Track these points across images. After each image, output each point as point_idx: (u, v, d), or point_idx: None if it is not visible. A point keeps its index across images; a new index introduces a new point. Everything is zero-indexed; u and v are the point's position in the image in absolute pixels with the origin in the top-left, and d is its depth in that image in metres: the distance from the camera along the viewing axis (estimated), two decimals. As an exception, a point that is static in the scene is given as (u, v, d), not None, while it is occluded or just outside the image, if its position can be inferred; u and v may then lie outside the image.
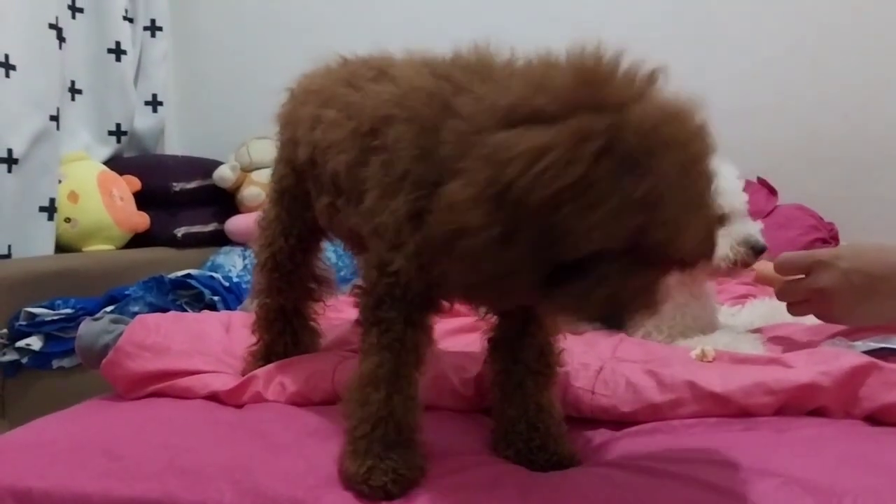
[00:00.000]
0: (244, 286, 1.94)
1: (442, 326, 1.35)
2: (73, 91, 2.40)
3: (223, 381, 1.06)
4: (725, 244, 1.13)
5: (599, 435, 0.88)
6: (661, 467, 0.75)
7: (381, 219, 0.75)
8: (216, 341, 1.17)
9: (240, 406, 1.05)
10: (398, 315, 0.77)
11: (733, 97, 2.31)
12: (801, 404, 0.85)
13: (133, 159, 2.56)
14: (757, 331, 1.19)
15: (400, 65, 0.84)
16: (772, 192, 2.09)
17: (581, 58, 0.66)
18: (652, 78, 0.66)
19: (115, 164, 2.40)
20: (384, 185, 0.75)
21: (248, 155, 2.53)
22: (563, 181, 0.57)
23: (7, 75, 2.00)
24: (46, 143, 2.11)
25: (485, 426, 0.91)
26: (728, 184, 1.16)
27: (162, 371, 1.07)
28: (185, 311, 1.73)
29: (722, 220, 1.15)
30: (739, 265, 1.14)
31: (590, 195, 0.57)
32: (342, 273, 2.27)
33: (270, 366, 1.08)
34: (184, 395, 1.06)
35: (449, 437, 0.88)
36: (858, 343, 0.99)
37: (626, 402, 0.88)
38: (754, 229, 1.15)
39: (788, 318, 1.25)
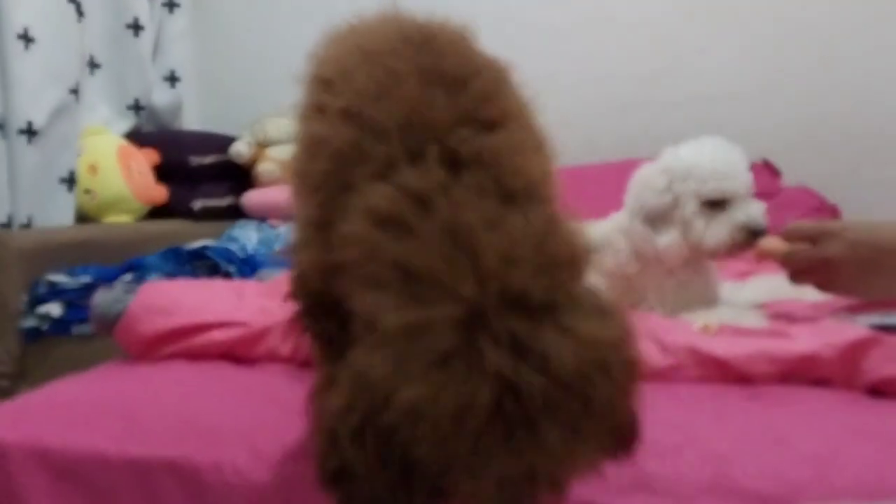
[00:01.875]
0: (259, 258, 1.97)
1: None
2: (92, 65, 2.42)
3: (235, 336, 1.08)
4: (724, 229, 1.14)
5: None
6: (660, 429, 0.77)
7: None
8: (226, 301, 1.19)
9: (254, 361, 1.07)
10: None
11: (739, 78, 2.30)
12: (804, 374, 0.86)
13: (151, 134, 2.59)
14: (760, 306, 1.19)
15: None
16: (775, 173, 2.07)
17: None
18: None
19: (134, 138, 2.43)
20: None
21: (264, 131, 2.55)
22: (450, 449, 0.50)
23: (27, 48, 2.03)
24: (66, 116, 2.14)
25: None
26: (731, 167, 1.16)
27: (172, 329, 1.09)
28: (201, 281, 1.76)
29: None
30: (738, 249, 1.14)
31: (477, 462, 0.51)
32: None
33: (283, 321, 1.09)
34: (199, 355, 1.08)
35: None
36: (861, 317, 1.00)
37: (628, 366, 0.89)
38: (757, 211, 1.15)
39: (791, 294, 1.25)
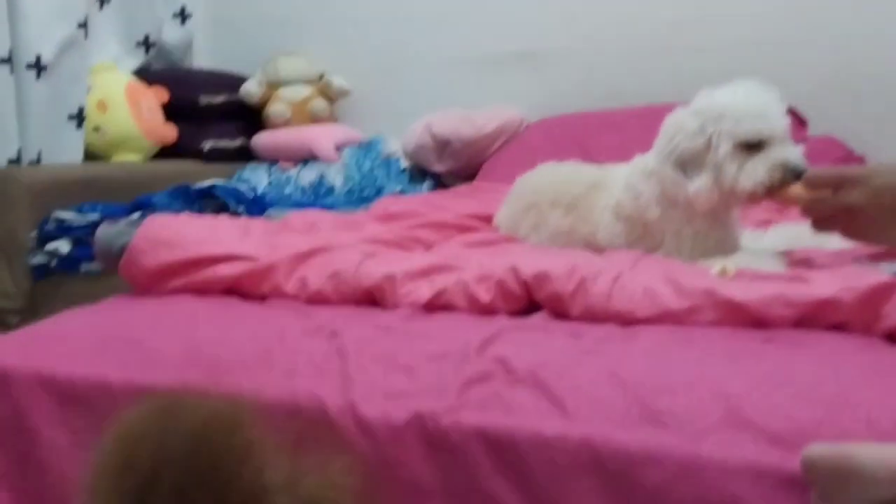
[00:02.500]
0: (271, 199, 1.96)
1: (461, 240, 1.36)
2: (101, 0, 2.37)
3: (241, 270, 1.07)
4: (762, 168, 1.08)
5: (609, 330, 0.88)
6: (672, 368, 0.76)
7: None
8: (231, 236, 1.18)
9: (260, 297, 1.06)
10: None
11: (765, 24, 2.23)
12: (822, 319, 0.83)
13: (161, 71, 2.55)
14: (780, 254, 1.17)
15: None
16: (802, 122, 2.02)
17: None
18: None
19: (144, 75, 2.40)
20: None
21: (276, 71, 2.51)
22: None
23: (35, -21, 1.98)
24: (74, 51, 2.10)
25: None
26: (768, 107, 1.12)
27: (176, 262, 1.08)
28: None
29: None
30: (776, 189, 1.08)
31: None
32: (365, 193, 2.28)
33: (289, 257, 1.08)
34: (203, 289, 1.07)
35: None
36: (883, 264, 0.97)
37: (643, 307, 0.88)
38: (794, 153, 1.09)
39: (813, 242, 1.23)
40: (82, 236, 1.79)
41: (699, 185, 1.12)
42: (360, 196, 2.21)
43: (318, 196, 2.30)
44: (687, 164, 1.13)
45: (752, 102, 1.11)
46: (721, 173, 1.10)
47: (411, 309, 0.99)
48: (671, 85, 2.04)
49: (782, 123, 1.12)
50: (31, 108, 2.01)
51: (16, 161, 1.96)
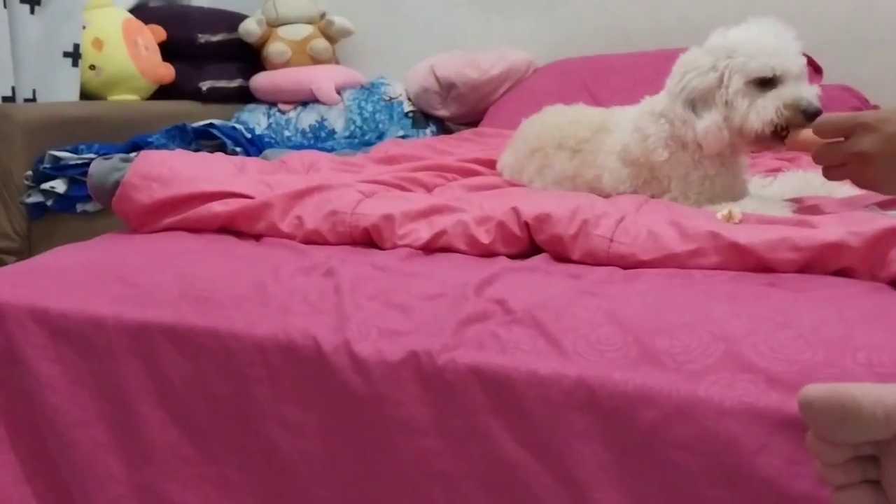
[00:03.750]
0: (270, 141, 1.92)
1: (463, 183, 1.33)
2: (97, -67, 2.31)
3: (235, 208, 1.05)
4: (772, 107, 1.05)
5: (610, 272, 0.86)
6: (672, 309, 0.74)
7: None
8: (224, 170, 1.16)
9: (255, 236, 1.05)
10: None
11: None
12: (827, 263, 0.82)
13: (158, 9, 2.49)
14: (788, 201, 1.14)
15: None
16: (817, 70, 1.97)
17: None
18: None
19: (141, 13, 2.33)
20: None
21: (275, 9, 2.45)
22: None
23: None
24: (69, -15, 2.05)
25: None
26: (782, 43, 1.08)
27: (170, 198, 1.07)
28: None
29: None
30: (787, 129, 1.05)
31: None
32: (366, 137, 2.24)
33: (285, 195, 1.06)
34: (197, 227, 1.06)
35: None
36: (893, 212, 0.95)
37: (646, 250, 0.86)
38: (809, 91, 1.06)
39: (821, 191, 1.20)
40: (78, 175, 1.76)
41: (708, 122, 1.09)
42: (362, 140, 2.17)
43: (318, 139, 2.26)
44: (697, 102, 1.10)
45: (765, 39, 1.07)
46: (731, 111, 1.08)
47: (409, 250, 0.97)
48: (683, 29, 1.98)
49: (797, 62, 1.08)
50: (26, 44, 1.96)
51: (10, 98, 1.92)
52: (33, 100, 1.99)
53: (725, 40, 1.11)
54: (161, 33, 2.29)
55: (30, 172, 1.78)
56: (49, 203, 1.77)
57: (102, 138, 1.88)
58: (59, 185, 1.75)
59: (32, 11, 1.96)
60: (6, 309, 0.92)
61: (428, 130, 2.27)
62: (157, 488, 0.86)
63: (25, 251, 1.80)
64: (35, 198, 1.77)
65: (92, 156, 1.75)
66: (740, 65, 1.07)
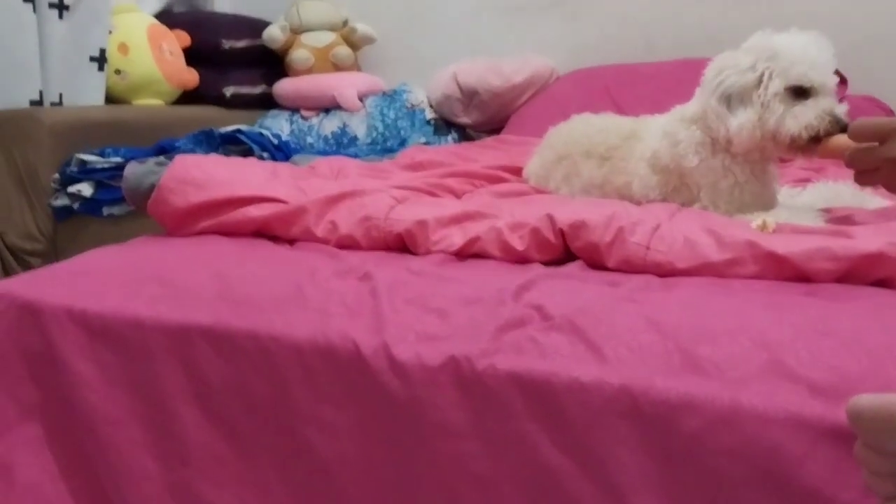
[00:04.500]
0: (293, 146, 1.93)
1: (491, 189, 1.34)
2: (123, -62, 2.33)
3: (270, 212, 1.06)
4: (811, 114, 1.06)
5: (647, 280, 0.87)
6: (713, 317, 0.74)
7: None
8: (258, 175, 1.17)
9: (289, 240, 1.05)
10: None
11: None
12: (865, 274, 0.82)
13: (183, 14, 2.51)
14: (819, 210, 1.14)
15: None
16: (842, 80, 1.97)
17: None
18: None
19: (165, 18, 2.36)
20: None
21: (299, 16, 2.46)
22: None
23: (57, -85, 1.95)
24: (96, -11, 2.07)
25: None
26: (823, 56, 1.09)
27: (206, 202, 1.08)
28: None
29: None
30: (822, 135, 1.06)
31: None
32: (388, 143, 2.25)
33: (319, 200, 1.07)
34: (233, 231, 1.07)
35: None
36: (928, 223, 0.95)
37: (683, 258, 0.86)
38: (841, 108, 1.08)
39: (851, 201, 1.20)
40: (105, 179, 1.78)
41: (743, 120, 1.09)
42: (384, 147, 2.18)
43: (341, 146, 2.27)
44: (733, 99, 1.11)
45: (809, 49, 1.09)
46: (767, 112, 1.08)
47: (443, 255, 0.97)
48: (706, 39, 1.98)
49: (832, 79, 1.10)
50: (53, 48, 1.98)
51: (38, 102, 1.94)
52: (60, 104, 2.01)
53: (770, 43, 1.12)
54: (186, 39, 2.31)
55: (57, 175, 1.80)
56: (75, 206, 1.78)
57: (128, 142, 1.89)
58: (86, 189, 1.77)
59: (61, 16, 1.98)
60: (45, 309, 0.92)
61: (450, 138, 2.28)
62: (192, 487, 0.86)
63: (51, 253, 1.82)
64: (61, 201, 1.79)
65: (119, 159, 1.77)
66: (782, 69, 1.08)
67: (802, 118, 1.06)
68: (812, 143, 1.08)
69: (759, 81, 1.10)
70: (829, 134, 1.05)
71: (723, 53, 1.17)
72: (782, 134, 1.08)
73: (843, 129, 1.06)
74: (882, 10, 2.11)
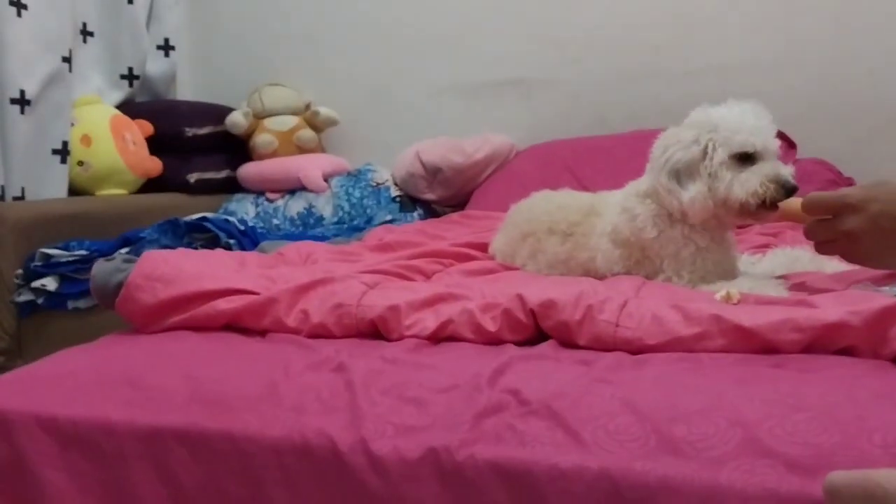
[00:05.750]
0: (259, 230, 1.94)
1: (461, 268, 1.35)
2: (85, 33, 2.37)
3: (240, 305, 1.05)
4: (756, 180, 1.11)
5: (619, 358, 0.88)
6: (686, 395, 0.75)
7: None
8: (226, 267, 1.17)
9: (261, 332, 1.05)
10: None
11: (751, 48, 2.27)
12: (830, 343, 0.84)
13: (145, 104, 2.54)
14: (780, 278, 1.18)
15: None
16: (791, 145, 2.05)
17: None
18: None
19: (128, 108, 2.38)
20: None
21: (261, 101, 2.51)
22: None
23: (19, 14, 1.98)
24: (59, 85, 2.09)
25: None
26: (761, 123, 1.14)
27: (174, 298, 1.07)
28: (200, 254, 1.73)
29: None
30: (768, 203, 1.11)
31: None
32: (355, 222, 2.27)
33: (289, 289, 1.07)
34: (202, 325, 1.06)
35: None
36: (885, 288, 0.98)
37: (652, 334, 0.88)
38: (786, 170, 1.12)
39: (809, 266, 1.24)
40: (70, 272, 1.76)
41: (694, 193, 1.14)
42: (351, 225, 2.20)
43: (307, 226, 2.29)
44: (682, 174, 1.15)
45: (747, 117, 1.15)
46: (716, 181, 1.13)
47: (417, 340, 0.98)
48: (656, 110, 2.06)
49: (774, 142, 1.15)
50: (15, 143, 1.99)
51: (0, 197, 1.94)
52: (22, 197, 2.00)
53: (708, 117, 1.17)
54: (148, 128, 2.33)
55: (20, 271, 1.78)
56: (40, 301, 1.76)
57: (92, 234, 1.89)
58: (50, 283, 1.75)
59: (23, 111, 1.99)
60: (12, 418, 0.90)
61: (415, 214, 2.30)
62: None
63: (15, 350, 1.78)
64: (25, 296, 1.76)
65: (83, 252, 1.76)
66: (724, 139, 1.13)
67: (748, 185, 1.11)
68: (761, 209, 1.12)
69: (705, 154, 1.15)
70: (774, 199, 1.10)
71: (666, 131, 1.22)
72: (731, 201, 1.13)
73: (790, 191, 1.11)
74: (825, 80, 2.21)
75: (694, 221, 1.17)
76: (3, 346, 1.77)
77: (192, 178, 2.38)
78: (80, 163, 2.15)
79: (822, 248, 1.03)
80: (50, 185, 2.07)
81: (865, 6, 2.18)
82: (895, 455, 0.66)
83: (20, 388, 0.94)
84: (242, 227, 1.81)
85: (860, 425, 0.69)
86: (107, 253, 1.72)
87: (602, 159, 2.07)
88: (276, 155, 2.48)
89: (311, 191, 2.39)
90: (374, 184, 2.36)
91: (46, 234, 1.83)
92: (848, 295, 0.92)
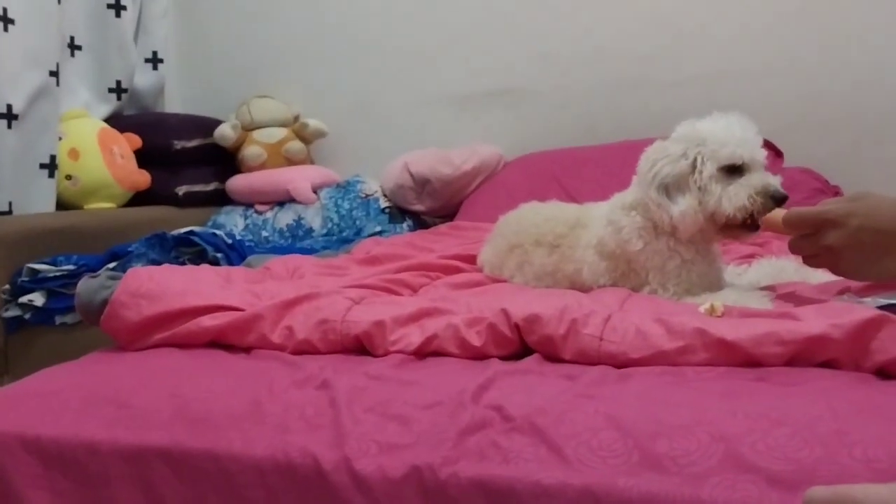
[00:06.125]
0: (247, 244, 1.94)
1: (448, 281, 1.35)
2: (73, 47, 2.37)
3: (225, 322, 1.05)
4: (743, 192, 1.12)
5: (603, 372, 0.88)
6: (668, 410, 0.75)
7: None
8: (213, 286, 1.16)
9: (245, 349, 1.04)
10: None
11: (740, 57, 2.28)
12: (812, 356, 0.84)
13: (133, 117, 2.54)
14: (764, 289, 1.18)
15: None
16: (777, 154, 2.07)
17: None
18: None
19: (116, 121, 2.38)
20: None
21: (249, 114, 2.51)
22: None
23: (6, 29, 1.97)
24: (46, 99, 2.09)
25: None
26: (748, 134, 1.15)
27: (159, 315, 1.07)
28: (188, 268, 1.72)
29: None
30: (757, 215, 1.12)
31: None
32: (344, 234, 2.27)
33: (274, 305, 1.07)
34: (187, 342, 1.05)
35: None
36: (868, 299, 0.98)
37: (635, 348, 0.88)
38: (774, 180, 1.13)
39: (794, 276, 1.24)
40: (57, 287, 1.75)
41: (684, 207, 1.14)
42: (340, 237, 2.20)
43: (296, 238, 2.28)
44: (670, 188, 1.16)
45: (733, 130, 1.15)
46: (705, 194, 1.13)
47: (402, 356, 0.98)
48: (644, 120, 2.07)
49: (761, 153, 1.16)
50: (3, 157, 1.99)
51: (-13, 212, 1.93)
52: (9, 212, 1.99)
53: (695, 130, 1.18)
54: (136, 141, 2.33)
55: (7, 286, 1.77)
56: (27, 316, 1.75)
57: (80, 248, 1.88)
58: (38, 298, 1.74)
59: (10, 126, 1.99)
60: (-5, 438, 0.90)
61: (405, 225, 2.31)
62: None
63: (2, 365, 1.77)
64: (12, 311, 1.76)
65: (71, 267, 1.76)
66: (712, 152, 1.13)
67: (736, 199, 1.11)
68: (747, 226, 1.12)
69: (693, 167, 1.15)
70: (761, 213, 1.11)
71: (653, 145, 1.22)
72: (718, 215, 1.13)
73: (779, 200, 1.11)
74: (811, 90, 2.23)
75: (684, 235, 1.17)
76: (-10, 362, 1.76)
77: (181, 190, 2.37)
78: (69, 177, 2.15)
79: (809, 261, 1.04)
80: (38, 200, 2.07)
81: (850, 18, 2.20)
82: (876, 469, 0.66)
83: (3, 408, 0.94)
84: (230, 241, 1.80)
85: (841, 440, 0.69)
86: (95, 267, 1.72)
87: (590, 170, 2.07)
88: (265, 167, 2.48)
89: (301, 203, 2.38)
90: (363, 195, 2.36)
91: (34, 249, 1.82)
92: (830, 307, 0.92)
